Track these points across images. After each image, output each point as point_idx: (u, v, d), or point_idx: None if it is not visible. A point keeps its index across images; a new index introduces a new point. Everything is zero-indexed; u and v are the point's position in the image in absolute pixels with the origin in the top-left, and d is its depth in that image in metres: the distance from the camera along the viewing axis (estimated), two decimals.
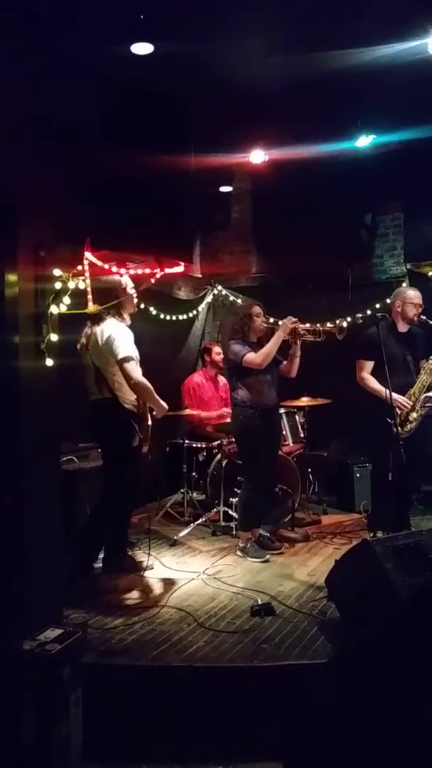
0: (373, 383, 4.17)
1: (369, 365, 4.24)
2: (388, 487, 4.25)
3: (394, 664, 2.46)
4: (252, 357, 4.25)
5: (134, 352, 3.72)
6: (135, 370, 3.67)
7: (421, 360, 4.24)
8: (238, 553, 4.33)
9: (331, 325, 4.39)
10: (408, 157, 5.27)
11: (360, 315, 4.42)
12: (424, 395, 4.15)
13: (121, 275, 3.81)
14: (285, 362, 4.43)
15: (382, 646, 2.54)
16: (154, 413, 3.79)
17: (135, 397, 3.75)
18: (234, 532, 4.77)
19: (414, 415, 4.14)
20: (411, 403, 4.12)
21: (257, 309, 4.43)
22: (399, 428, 4.12)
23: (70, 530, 3.83)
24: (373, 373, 4.20)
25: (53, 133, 2.98)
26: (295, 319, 4.29)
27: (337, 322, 4.42)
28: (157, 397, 3.76)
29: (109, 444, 3.89)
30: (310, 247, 5.89)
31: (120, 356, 3.63)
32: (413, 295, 4.26)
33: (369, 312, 5.22)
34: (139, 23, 3.65)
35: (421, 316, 4.20)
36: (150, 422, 3.79)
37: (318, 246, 5.86)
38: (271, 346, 4.23)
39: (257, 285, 6.89)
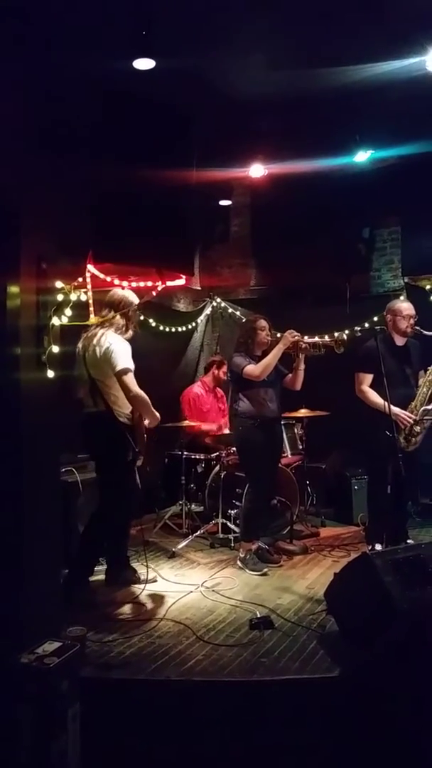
0: (373, 396, 4.19)
1: (368, 378, 4.26)
2: (385, 499, 4.30)
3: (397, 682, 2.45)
4: (251, 369, 4.28)
5: (132, 365, 3.70)
6: (133, 383, 3.65)
7: (419, 372, 4.27)
8: (238, 563, 4.32)
9: (330, 339, 4.40)
10: (405, 172, 5.34)
11: (358, 328, 4.45)
12: (423, 408, 4.17)
13: (123, 288, 3.82)
14: (289, 375, 4.44)
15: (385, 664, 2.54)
16: (146, 423, 3.75)
17: (130, 410, 3.72)
18: (232, 544, 4.76)
19: (417, 428, 4.15)
20: (414, 417, 4.13)
21: (262, 323, 4.43)
22: (405, 442, 4.15)
23: (69, 542, 3.82)
24: (373, 386, 4.22)
25: (56, 146, 3.00)
26: (296, 333, 4.29)
27: (336, 335, 4.44)
28: (153, 410, 3.72)
29: (103, 458, 3.85)
30: (309, 260, 5.94)
31: (118, 368, 3.61)
32: (403, 307, 4.29)
33: (367, 325, 5.25)
34: (141, 39, 3.70)
35: (415, 327, 4.22)
36: (145, 435, 3.77)
37: (316, 259, 5.90)
38: (271, 359, 4.25)
39: (256, 298, 6.92)
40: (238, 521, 4.85)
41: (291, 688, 2.76)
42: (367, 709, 2.50)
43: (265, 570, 4.22)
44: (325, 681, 2.75)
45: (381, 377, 3.87)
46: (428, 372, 4.20)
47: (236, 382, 4.44)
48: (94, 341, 3.70)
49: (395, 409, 4.02)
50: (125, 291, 3.78)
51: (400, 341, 4.29)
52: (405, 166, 5.25)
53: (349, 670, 2.74)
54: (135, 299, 3.86)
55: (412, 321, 4.23)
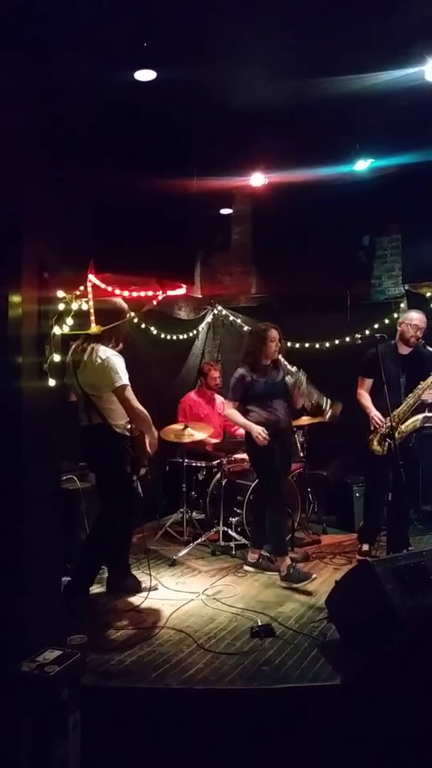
0: (364, 400, 4.38)
1: (367, 382, 4.42)
2: (380, 504, 4.40)
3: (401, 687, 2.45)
4: (226, 407, 4.52)
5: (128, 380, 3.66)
6: (134, 398, 3.61)
7: (421, 381, 4.30)
8: (282, 584, 4.08)
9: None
10: (405, 180, 5.36)
11: (359, 335, 4.46)
12: (423, 415, 4.20)
13: (120, 297, 3.82)
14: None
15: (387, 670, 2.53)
16: (148, 447, 3.72)
17: (126, 420, 3.70)
18: (234, 552, 4.76)
19: (395, 435, 4.19)
20: (387, 424, 4.18)
21: (274, 333, 4.33)
22: (378, 446, 4.27)
23: (70, 550, 3.83)
24: (373, 391, 4.35)
25: (57, 156, 3.03)
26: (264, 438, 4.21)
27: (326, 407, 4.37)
28: (154, 429, 3.71)
29: (103, 470, 3.85)
30: (309, 268, 5.96)
31: (117, 384, 3.56)
32: (414, 317, 4.34)
33: (368, 332, 5.26)
34: (142, 51, 3.73)
35: (420, 340, 4.26)
36: (149, 447, 3.75)
37: (317, 267, 5.93)
38: (242, 425, 4.37)
39: (257, 305, 6.95)
40: (239, 529, 4.86)
41: (292, 697, 2.76)
42: (368, 717, 2.49)
43: (313, 575, 4.12)
44: (327, 689, 2.75)
45: (380, 383, 3.95)
46: (420, 386, 4.22)
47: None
48: (85, 357, 3.64)
49: (373, 412, 4.27)
50: (116, 299, 3.76)
51: (404, 350, 4.34)
52: (405, 175, 5.27)
53: (350, 678, 2.74)
54: (126, 307, 3.83)
55: (419, 333, 4.28)
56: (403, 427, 4.24)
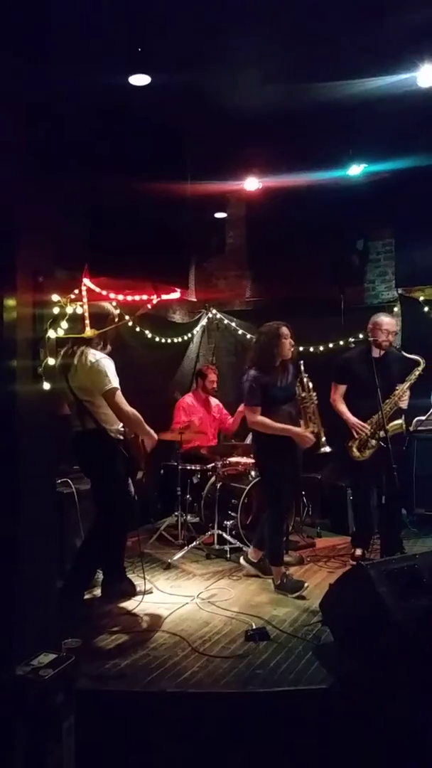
0: (340, 405, 4.41)
1: (341, 388, 4.45)
2: (369, 507, 4.49)
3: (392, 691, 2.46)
4: (251, 414, 3.99)
5: (118, 383, 3.63)
6: (123, 401, 3.59)
7: (397, 384, 4.35)
8: (276, 591, 4.04)
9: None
10: (398, 185, 5.40)
11: (353, 339, 4.49)
12: (417, 419, 4.24)
13: (113, 300, 3.82)
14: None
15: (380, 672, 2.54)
16: (145, 445, 3.70)
17: (120, 425, 3.69)
18: (228, 555, 4.77)
19: (373, 441, 4.24)
20: (370, 429, 4.21)
21: (286, 330, 4.10)
22: (357, 452, 4.26)
23: (65, 553, 3.82)
24: (348, 396, 4.41)
25: (51, 160, 3.04)
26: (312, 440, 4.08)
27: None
28: (147, 428, 3.68)
29: (98, 475, 3.83)
30: (304, 272, 6.00)
31: (107, 388, 3.55)
32: (384, 321, 4.38)
33: (361, 336, 5.28)
34: (136, 55, 3.75)
35: (392, 344, 4.33)
36: (145, 450, 3.74)
37: (311, 271, 5.96)
38: (278, 431, 3.98)
39: (251, 309, 6.97)
40: (234, 532, 4.86)
41: (286, 700, 2.76)
42: (361, 720, 2.50)
43: (307, 584, 4.00)
44: (321, 692, 2.75)
45: (355, 388, 4.00)
46: (396, 391, 4.27)
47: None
48: (75, 360, 3.62)
49: (353, 419, 4.26)
50: (105, 303, 3.74)
51: (376, 353, 4.37)
52: (398, 179, 5.31)
53: (343, 681, 2.75)
54: (113, 310, 3.80)
55: (390, 337, 4.34)
56: (382, 433, 4.25)
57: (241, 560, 4.42)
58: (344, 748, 2.58)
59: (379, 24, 3.59)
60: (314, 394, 4.17)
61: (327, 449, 4.16)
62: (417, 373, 4.41)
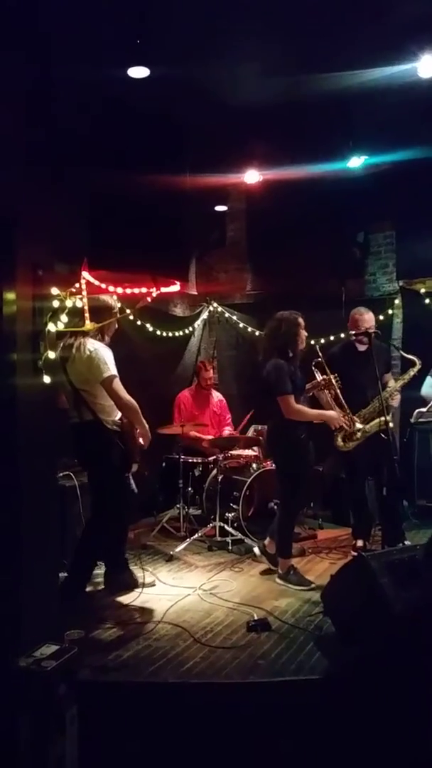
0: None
1: None
2: (359, 497, 4.56)
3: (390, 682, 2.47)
4: (290, 403, 3.92)
5: (116, 371, 3.64)
6: (122, 389, 3.61)
7: (384, 374, 4.36)
8: (278, 581, 4.05)
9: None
10: (399, 177, 5.37)
11: (353, 332, 4.47)
12: (417, 410, 4.24)
13: (111, 294, 3.81)
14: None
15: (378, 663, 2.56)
16: (140, 440, 3.71)
17: (118, 416, 3.70)
18: (230, 547, 4.79)
19: (359, 434, 4.24)
20: (348, 423, 4.21)
21: (302, 322, 4.11)
22: (342, 443, 4.29)
23: (66, 546, 3.84)
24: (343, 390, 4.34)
25: (51, 154, 3.04)
26: (342, 422, 4.16)
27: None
28: (143, 421, 3.68)
29: (94, 467, 3.84)
30: (304, 264, 5.98)
31: (105, 375, 3.56)
32: (361, 316, 4.43)
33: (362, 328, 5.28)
34: (135, 47, 3.74)
35: (360, 336, 4.34)
36: (140, 443, 3.76)
37: (312, 264, 5.94)
38: (314, 417, 4.06)
39: (252, 302, 6.96)
40: (235, 524, 4.88)
41: (288, 690, 2.78)
42: (362, 709, 2.52)
43: (312, 584, 3.95)
44: (322, 682, 2.77)
45: (343, 383, 4.02)
46: (386, 390, 4.28)
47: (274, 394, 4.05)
48: (74, 351, 3.61)
49: (332, 414, 4.17)
50: (104, 296, 3.75)
51: (361, 347, 4.38)
52: (399, 171, 5.28)
53: (344, 670, 2.76)
54: (113, 303, 3.82)
55: (361, 329, 4.35)
56: (367, 427, 4.26)
57: (255, 550, 4.44)
58: (345, 738, 2.59)
59: (378, 14, 3.57)
60: (335, 375, 4.18)
61: (359, 426, 4.22)
62: (411, 373, 4.42)
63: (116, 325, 3.96)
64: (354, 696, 2.62)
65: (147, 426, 3.72)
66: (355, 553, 4.41)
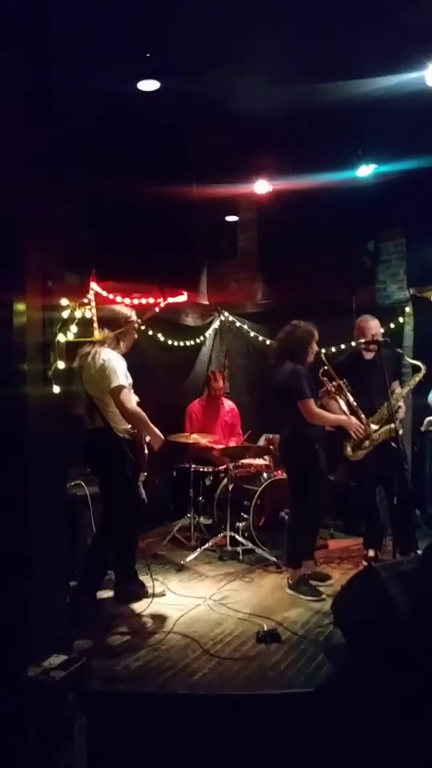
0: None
1: None
2: (369, 507, 4.48)
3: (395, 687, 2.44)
4: (313, 407, 3.97)
5: (127, 381, 3.69)
6: (128, 400, 3.64)
7: (393, 382, 4.33)
8: (289, 591, 4.05)
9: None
10: (409, 185, 5.37)
11: (363, 340, 4.45)
12: (428, 419, 4.21)
13: (125, 305, 3.84)
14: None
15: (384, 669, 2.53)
16: (151, 444, 3.74)
17: (129, 425, 3.73)
18: (240, 557, 4.77)
19: (367, 442, 4.21)
20: (364, 429, 4.18)
21: (317, 335, 4.14)
22: (351, 451, 4.25)
23: (77, 555, 3.85)
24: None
25: (59, 164, 3.07)
26: (360, 429, 4.16)
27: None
28: (153, 427, 3.70)
29: (105, 474, 3.87)
30: (315, 273, 6.00)
31: (113, 385, 3.60)
32: (369, 324, 4.41)
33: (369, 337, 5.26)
34: (145, 61, 3.78)
35: (369, 344, 4.32)
36: (146, 451, 3.78)
37: (322, 272, 5.96)
38: (334, 421, 4.09)
39: (263, 311, 6.96)
40: (246, 534, 4.86)
41: (297, 702, 2.76)
42: (371, 720, 2.49)
43: (323, 596, 3.92)
44: (330, 694, 2.75)
45: (354, 389, 4.07)
46: (393, 397, 4.22)
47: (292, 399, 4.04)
48: (89, 359, 3.69)
49: (351, 419, 4.14)
50: (118, 306, 3.79)
51: (368, 355, 4.36)
52: (408, 179, 5.28)
53: (355, 682, 2.74)
54: (128, 313, 3.87)
55: (377, 337, 4.31)
56: (375, 435, 4.23)
57: (288, 591, 4.08)
58: (355, 749, 2.56)
59: (385, 23, 3.59)
60: (345, 381, 4.17)
61: (375, 427, 4.19)
62: (417, 379, 4.40)
63: (135, 335, 4.00)
64: (359, 706, 2.59)
65: (157, 431, 3.74)
66: (366, 563, 4.37)
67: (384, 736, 2.42)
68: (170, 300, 4.06)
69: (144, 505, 3.99)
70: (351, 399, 4.19)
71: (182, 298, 4.39)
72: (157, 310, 4.12)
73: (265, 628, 3.41)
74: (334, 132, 4.74)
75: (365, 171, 5.25)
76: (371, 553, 4.54)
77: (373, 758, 2.42)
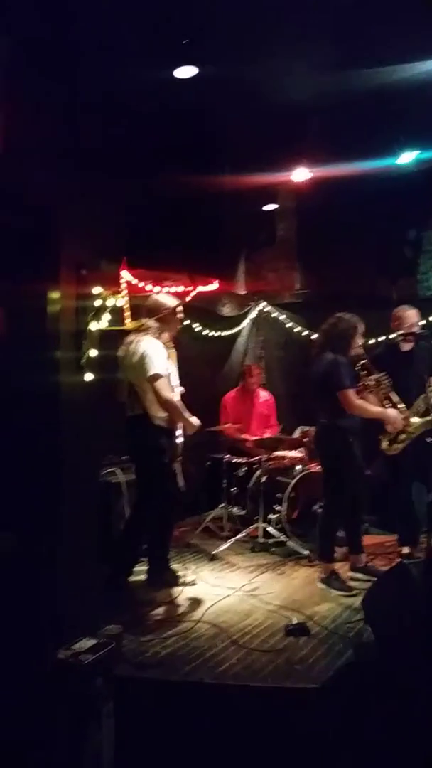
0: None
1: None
2: (403, 502, 4.38)
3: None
4: (353, 398, 3.89)
5: (165, 370, 3.74)
6: (164, 388, 3.69)
7: (430, 377, 4.18)
8: (320, 585, 4.01)
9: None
10: None
11: (402, 332, 4.35)
12: None
13: (168, 294, 3.86)
14: None
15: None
16: (186, 430, 3.80)
17: (166, 413, 3.77)
18: (272, 549, 4.75)
19: (403, 436, 4.11)
20: (405, 423, 4.07)
21: (362, 327, 4.05)
22: (388, 445, 4.16)
23: (110, 541, 3.90)
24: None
25: (92, 156, 3.08)
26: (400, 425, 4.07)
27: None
28: (186, 415, 3.77)
29: (140, 460, 3.95)
30: (354, 263, 5.90)
31: (150, 373, 3.66)
32: (400, 314, 4.30)
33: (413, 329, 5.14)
34: (182, 47, 3.75)
35: (407, 336, 4.18)
36: (182, 439, 3.81)
37: (362, 262, 5.86)
38: (375, 414, 4.00)
39: (301, 302, 6.87)
40: (279, 525, 4.83)
41: (323, 697, 2.73)
42: (399, 717, 2.45)
43: (354, 592, 3.86)
44: (356, 690, 2.72)
45: (394, 382, 3.99)
46: (429, 389, 4.09)
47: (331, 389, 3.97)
48: (131, 347, 3.79)
49: (392, 412, 4.04)
50: (159, 295, 3.83)
51: (405, 347, 4.24)
52: None
53: (383, 678, 2.70)
54: (170, 302, 3.91)
55: (414, 328, 4.21)
56: (411, 429, 4.12)
57: (319, 585, 4.04)
58: (380, 744, 2.53)
59: (428, 5, 3.47)
60: (384, 373, 4.08)
61: (416, 419, 4.10)
62: None
63: (178, 325, 4.02)
64: (379, 704, 2.55)
65: (193, 418, 3.78)
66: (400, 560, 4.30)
67: (404, 735, 2.38)
68: (200, 288, 4.03)
69: (180, 492, 4.01)
70: (391, 393, 4.10)
71: (213, 286, 4.35)
72: (188, 298, 4.09)
73: (294, 621, 3.38)
74: (375, 118, 4.63)
75: (407, 158, 5.11)
76: (406, 549, 4.45)
77: (391, 756, 2.39)
